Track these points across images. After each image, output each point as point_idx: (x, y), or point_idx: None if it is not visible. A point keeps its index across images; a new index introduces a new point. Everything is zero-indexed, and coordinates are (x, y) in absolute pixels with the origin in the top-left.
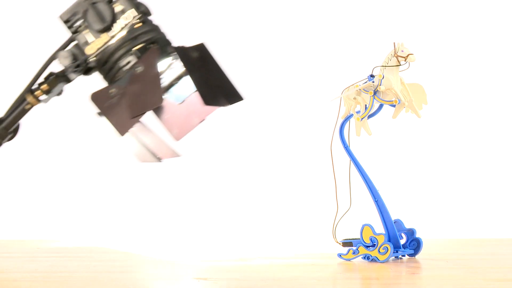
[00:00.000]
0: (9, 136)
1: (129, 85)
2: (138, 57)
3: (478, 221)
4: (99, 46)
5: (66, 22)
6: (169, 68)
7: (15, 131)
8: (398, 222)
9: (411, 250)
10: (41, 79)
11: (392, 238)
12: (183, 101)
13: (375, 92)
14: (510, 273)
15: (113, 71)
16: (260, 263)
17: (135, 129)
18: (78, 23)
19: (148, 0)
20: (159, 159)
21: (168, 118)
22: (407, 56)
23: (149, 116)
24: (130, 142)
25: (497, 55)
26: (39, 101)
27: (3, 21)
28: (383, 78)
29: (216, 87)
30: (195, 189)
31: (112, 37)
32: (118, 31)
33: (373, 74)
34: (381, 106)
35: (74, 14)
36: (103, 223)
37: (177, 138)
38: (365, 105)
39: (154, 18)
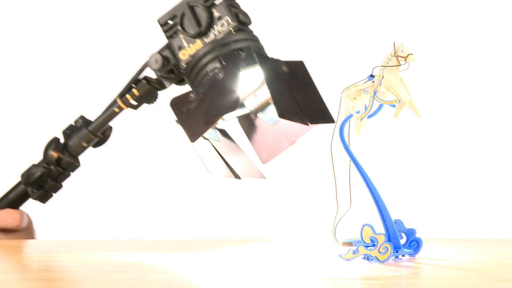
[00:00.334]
0: (96, 140)
1: (208, 90)
2: (223, 64)
3: (478, 221)
4: (191, 52)
5: (163, 25)
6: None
7: (105, 136)
8: (398, 222)
9: (411, 250)
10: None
11: (392, 238)
12: (276, 122)
13: (375, 92)
14: (510, 273)
15: (198, 77)
16: (259, 263)
17: (223, 144)
18: (174, 28)
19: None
20: (237, 176)
21: (259, 139)
22: (407, 56)
23: (240, 134)
24: (207, 151)
25: (497, 55)
26: (128, 106)
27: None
28: (382, 78)
29: (302, 105)
30: (195, 189)
31: (206, 43)
32: (212, 38)
33: (373, 74)
34: (380, 106)
35: (171, 18)
36: (103, 223)
37: (265, 161)
38: (365, 105)
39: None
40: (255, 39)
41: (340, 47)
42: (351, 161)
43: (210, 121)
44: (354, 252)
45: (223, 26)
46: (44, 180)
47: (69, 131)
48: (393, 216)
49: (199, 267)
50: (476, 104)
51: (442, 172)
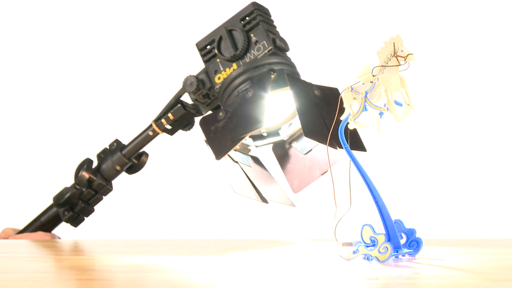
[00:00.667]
0: (130, 164)
1: (237, 108)
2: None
3: (478, 221)
4: (227, 75)
5: (201, 50)
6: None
7: (140, 162)
8: (398, 222)
9: (411, 250)
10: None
11: (392, 238)
12: (309, 151)
13: (366, 93)
14: (510, 273)
15: (230, 98)
16: (259, 262)
17: (254, 170)
18: (212, 52)
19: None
20: (265, 200)
21: (291, 168)
22: (406, 56)
23: (272, 163)
24: (235, 172)
25: (497, 55)
26: (163, 130)
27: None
28: (378, 80)
29: (333, 130)
30: (194, 189)
31: (240, 65)
32: (248, 61)
33: (373, 74)
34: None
35: (210, 43)
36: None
37: (296, 190)
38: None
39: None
40: (290, 64)
41: (340, 47)
42: (351, 161)
43: (236, 139)
44: (354, 252)
45: (259, 50)
46: (75, 202)
47: (103, 155)
48: (393, 216)
49: (198, 267)
50: (476, 105)
51: (442, 172)
